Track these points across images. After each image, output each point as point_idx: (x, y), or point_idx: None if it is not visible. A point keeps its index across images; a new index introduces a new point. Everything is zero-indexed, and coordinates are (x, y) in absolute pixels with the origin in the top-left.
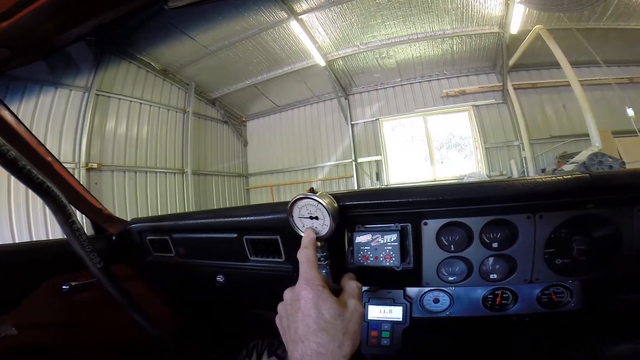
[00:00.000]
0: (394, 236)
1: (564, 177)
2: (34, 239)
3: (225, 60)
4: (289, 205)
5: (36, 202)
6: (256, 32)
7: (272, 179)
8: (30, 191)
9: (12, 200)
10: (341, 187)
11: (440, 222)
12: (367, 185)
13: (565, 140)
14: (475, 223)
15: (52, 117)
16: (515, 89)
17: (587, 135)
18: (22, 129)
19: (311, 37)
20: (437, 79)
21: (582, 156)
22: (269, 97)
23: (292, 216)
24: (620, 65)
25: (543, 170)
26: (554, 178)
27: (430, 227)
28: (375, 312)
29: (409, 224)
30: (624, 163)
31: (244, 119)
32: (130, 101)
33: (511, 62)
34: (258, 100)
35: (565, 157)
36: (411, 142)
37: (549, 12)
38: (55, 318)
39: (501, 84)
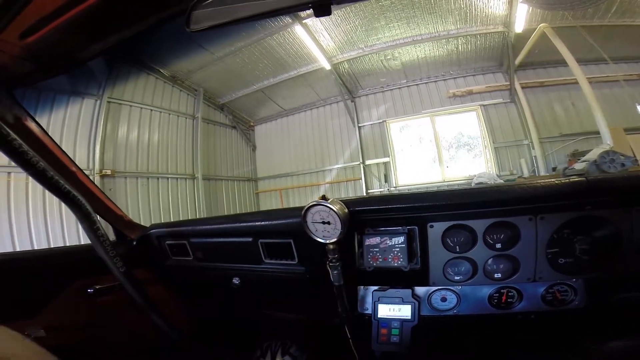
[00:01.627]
0: (401, 238)
1: (562, 181)
2: (52, 245)
3: (232, 66)
4: (303, 211)
5: (53, 208)
6: (262, 37)
7: (281, 183)
8: (47, 198)
9: (30, 207)
10: (349, 190)
11: (445, 224)
12: (376, 187)
13: (576, 139)
14: (478, 225)
15: (67, 125)
16: (522, 87)
17: (598, 132)
18: (48, 139)
19: (316, 41)
20: (444, 80)
21: (593, 154)
22: (276, 102)
23: (306, 221)
24: (629, 61)
25: (554, 169)
26: (552, 182)
27: (436, 230)
28: (385, 310)
29: (416, 227)
30: (636, 160)
31: (252, 124)
32: (141, 108)
33: (517, 61)
34: (265, 104)
35: (576, 156)
36: (419, 143)
37: (552, 11)
38: (81, 320)
39: (508, 83)
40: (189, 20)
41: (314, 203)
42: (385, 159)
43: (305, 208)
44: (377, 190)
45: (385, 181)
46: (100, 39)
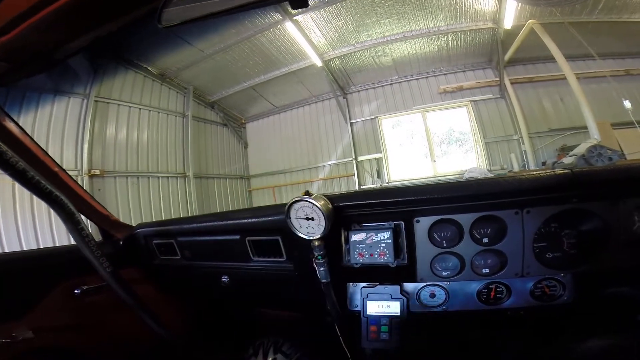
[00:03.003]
0: (387, 234)
1: (547, 173)
2: (41, 246)
3: (222, 63)
4: (286, 207)
5: (41, 208)
6: (252, 34)
7: (274, 180)
8: (34, 198)
9: (18, 207)
10: (342, 186)
11: (431, 219)
12: (369, 183)
13: (565, 133)
14: (465, 219)
15: (53, 125)
16: (512, 83)
17: (586, 127)
18: (29, 140)
19: (307, 37)
20: (434, 76)
21: (581, 148)
22: (267, 99)
23: (290, 218)
24: (615, 57)
25: (544, 163)
26: (537, 175)
27: (422, 225)
28: (374, 307)
29: (402, 222)
30: (623, 154)
31: (243, 121)
32: (130, 107)
33: (507, 57)
34: (256, 102)
35: (565, 150)
36: (411, 139)
37: (540, 7)
38: (69, 321)
39: (498, 78)
40: (161, 17)
41: (297, 199)
42: (378, 155)
43: (289, 204)
44: (370, 186)
45: (378, 177)
46: (76, 37)
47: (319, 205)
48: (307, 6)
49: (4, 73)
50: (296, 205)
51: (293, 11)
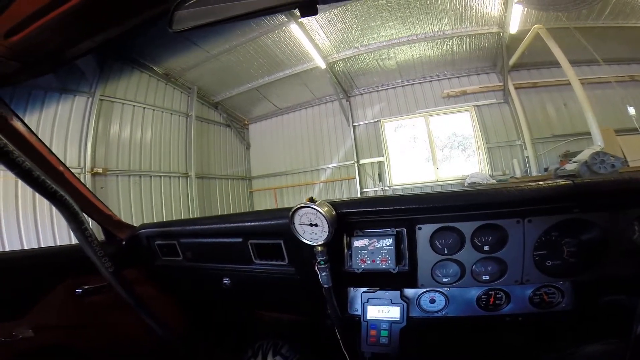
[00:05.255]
0: (389, 240)
1: (549, 184)
2: (42, 245)
3: (226, 64)
4: (290, 213)
5: (43, 207)
6: (257, 35)
7: (275, 182)
8: (36, 197)
9: (20, 206)
10: (344, 189)
11: (433, 227)
12: (370, 186)
13: (568, 139)
14: (466, 227)
15: (57, 123)
16: (516, 88)
17: (589, 133)
18: (34, 139)
19: (311, 39)
20: (438, 80)
21: (584, 155)
22: (270, 100)
23: (294, 223)
24: (621, 63)
25: (546, 169)
26: (539, 185)
27: (424, 232)
28: (374, 312)
29: (404, 229)
30: (626, 162)
31: (246, 122)
32: (134, 106)
33: (511, 61)
34: (260, 103)
35: (568, 156)
36: (413, 143)
37: (547, 12)
38: (69, 320)
39: (502, 83)
40: (172, 21)
41: (302, 205)
42: (380, 159)
43: (293, 210)
44: (371, 189)
45: (379, 180)
46: (86, 38)
47: (322, 212)
48: (316, 13)
49: (14, 72)
50: (300, 212)
51: (298, 13)
